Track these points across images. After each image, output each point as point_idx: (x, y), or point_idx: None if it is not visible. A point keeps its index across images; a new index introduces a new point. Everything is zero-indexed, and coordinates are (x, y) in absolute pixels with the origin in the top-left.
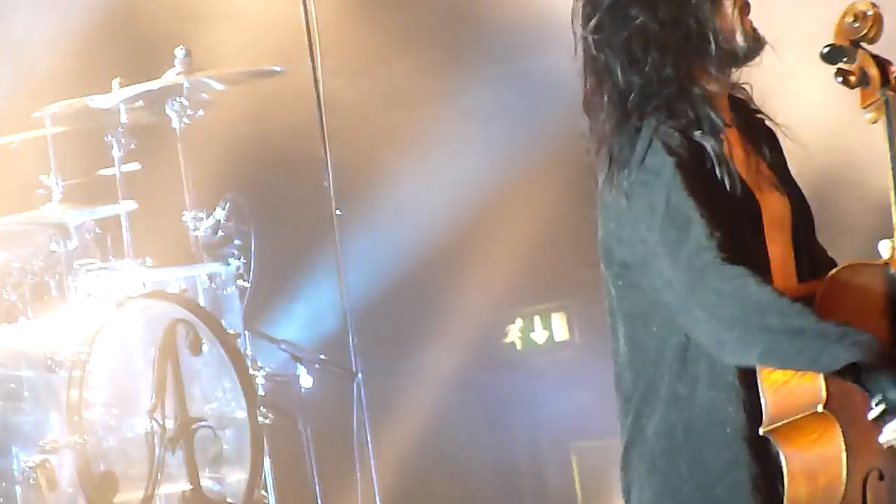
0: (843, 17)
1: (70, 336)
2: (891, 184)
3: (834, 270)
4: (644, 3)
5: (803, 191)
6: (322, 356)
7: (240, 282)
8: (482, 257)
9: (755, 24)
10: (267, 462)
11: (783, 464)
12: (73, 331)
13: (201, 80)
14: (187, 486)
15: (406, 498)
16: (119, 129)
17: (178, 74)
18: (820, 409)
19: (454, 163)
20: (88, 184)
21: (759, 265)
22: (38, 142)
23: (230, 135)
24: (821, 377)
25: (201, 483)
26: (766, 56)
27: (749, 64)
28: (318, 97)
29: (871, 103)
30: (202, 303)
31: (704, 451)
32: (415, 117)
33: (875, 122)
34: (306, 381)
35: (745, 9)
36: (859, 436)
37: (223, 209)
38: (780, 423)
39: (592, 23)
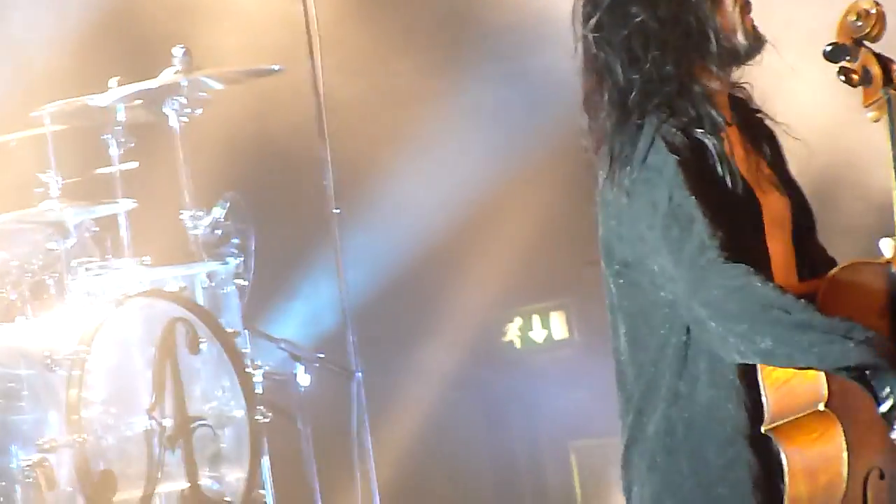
0: (846, 15)
1: (69, 335)
2: (892, 183)
3: (835, 269)
4: (643, 2)
5: (804, 190)
6: (320, 355)
7: (238, 280)
8: (481, 256)
9: (756, 23)
10: (266, 461)
11: (784, 462)
12: (72, 330)
13: (200, 79)
14: (186, 485)
15: (405, 496)
16: (118, 127)
17: (176, 73)
18: (821, 407)
19: (453, 161)
20: (87, 182)
21: (761, 264)
22: (36, 140)
23: (229, 133)
24: (822, 375)
25: (200, 482)
26: (766, 55)
27: (750, 62)
28: (318, 96)
29: (874, 102)
30: (201, 302)
31: (705, 449)
32: (414, 116)
33: (877, 120)
34: (304, 379)
35: (746, 7)
36: (860, 434)
37: (222, 208)
38: (781, 422)
39: (592, 21)
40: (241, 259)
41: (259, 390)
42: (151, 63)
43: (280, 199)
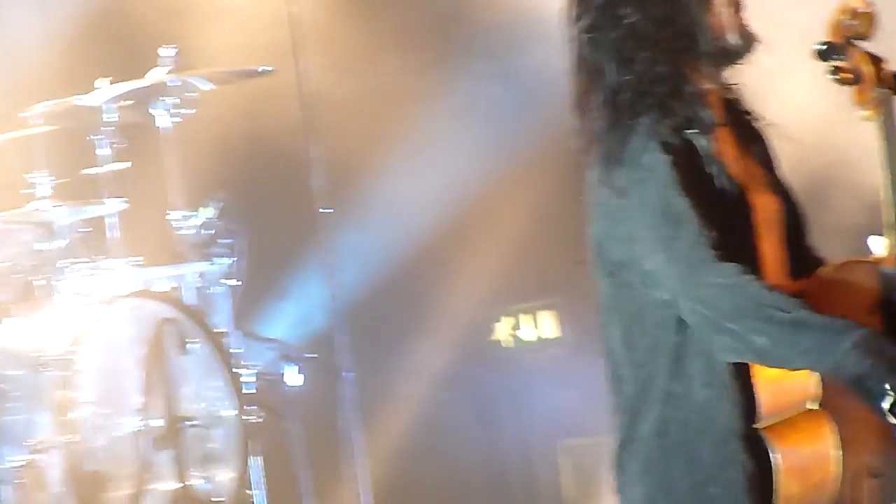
0: (838, 14)
1: (59, 336)
2: (883, 181)
3: (827, 267)
4: (635, 2)
5: (795, 189)
6: (310, 355)
7: (229, 281)
8: (471, 255)
9: (747, 22)
10: (257, 461)
11: (776, 461)
12: (62, 330)
13: (189, 80)
14: (176, 485)
15: (396, 495)
16: (108, 128)
17: (167, 73)
18: (814, 406)
19: (443, 161)
20: (76, 183)
21: (752, 264)
22: (25, 140)
23: (219, 133)
24: (815, 374)
25: (190, 482)
26: (757, 54)
27: (741, 62)
28: (309, 96)
29: (865, 101)
30: (191, 302)
31: (699, 449)
32: (404, 115)
33: (869, 119)
34: (294, 379)
35: (737, 6)
36: (852, 433)
37: (212, 208)
38: (773, 420)
39: (584, 23)
40: (232, 259)
41: (250, 390)
42: (142, 64)
43: (270, 199)
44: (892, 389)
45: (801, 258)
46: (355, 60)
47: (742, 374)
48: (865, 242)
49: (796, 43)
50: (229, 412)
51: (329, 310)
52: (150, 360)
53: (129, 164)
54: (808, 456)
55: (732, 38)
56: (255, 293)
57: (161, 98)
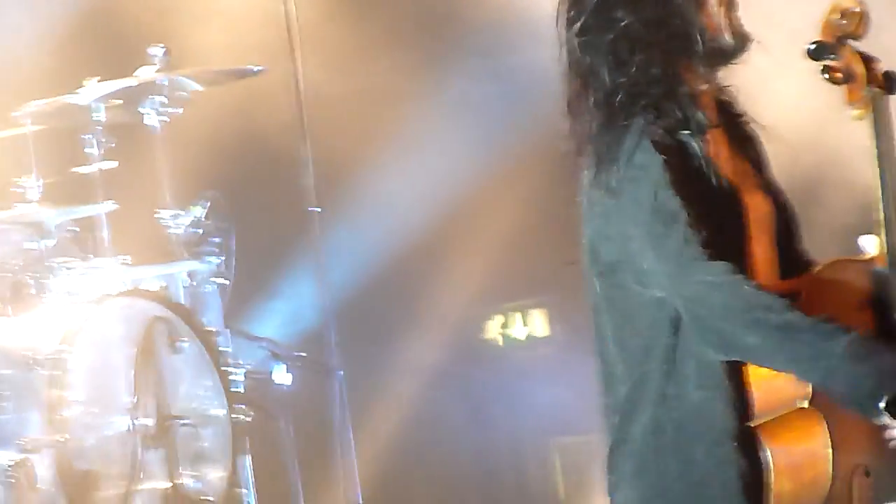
0: (830, 13)
1: (49, 335)
2: (875, 181)
3: (819, 266)
4: (629, 4)
5: (787, 188)
6: (300, 353)
7: (219, 279)
8: (462, 254)
9: (740, 22)
10: (248, 459)
11: (769, 460)
12: (53, 329)
13: (178, 79)
14: (167, 484)
15: (387, 494)
16: (98, 127)
17: (157, 72)
18: (805, 404)
19: (435, 159)
20: (67, 182)
21: (743, 264)
22: (15, 140)
23: (210, 132)
24: None
25: (181, 481)
26: (750, 54)
27: (735, 62)
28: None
29: (857, 100)
30: (182, 301)
31: (694, 450)
32: (396, 114)
33: (861, 118)
34: (284, 378)
35: (731, 6)
36: (845, 432)
37: (202, 207)
38: (766, 419)
39: (577, 25)
40: (222, 258)
41: (240, 389)
42: (133, 63)
43: (261, 198)
44: (886, 391)
45: (791, 260)
46: (347, 59)
47: (736, 374)
48: (857, 241)
49: (788, 43)
50: (219, 411)
51: (319, 308)
52: (140, 359)
53: (121, 164)
54: (800, 454)
55: (726, 38)
56: (245, 292)
57: (150, 97)
